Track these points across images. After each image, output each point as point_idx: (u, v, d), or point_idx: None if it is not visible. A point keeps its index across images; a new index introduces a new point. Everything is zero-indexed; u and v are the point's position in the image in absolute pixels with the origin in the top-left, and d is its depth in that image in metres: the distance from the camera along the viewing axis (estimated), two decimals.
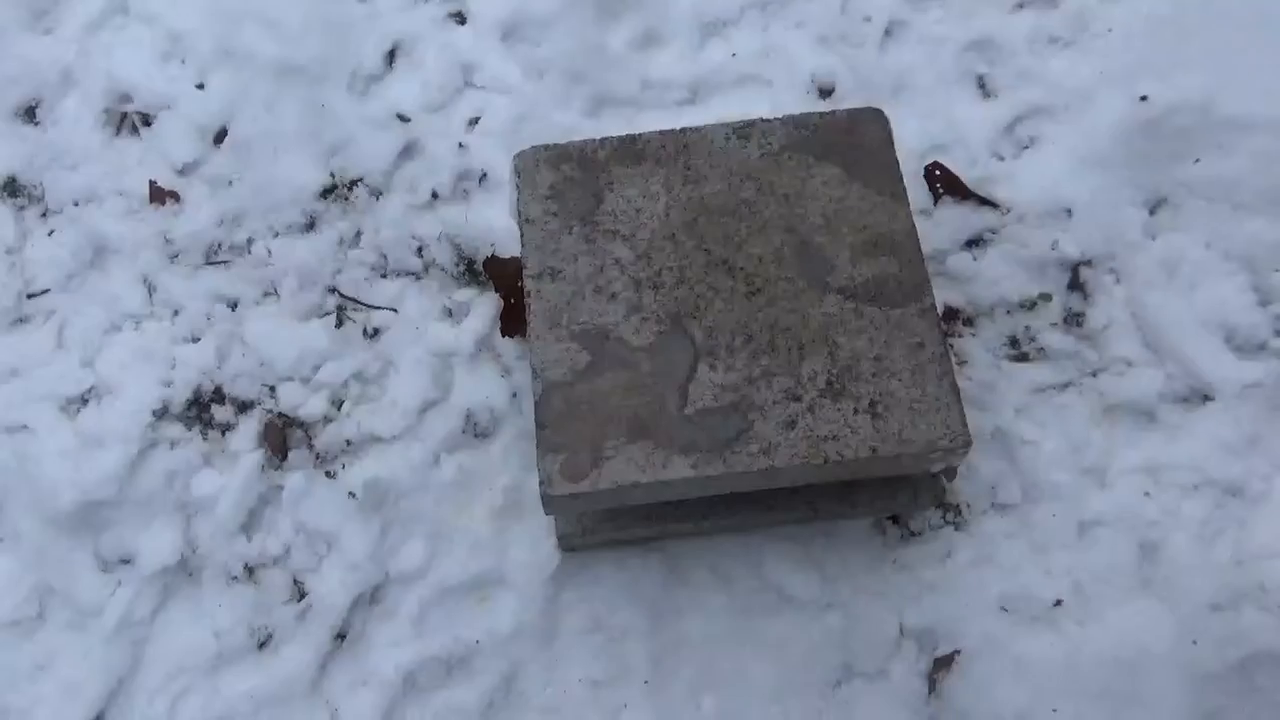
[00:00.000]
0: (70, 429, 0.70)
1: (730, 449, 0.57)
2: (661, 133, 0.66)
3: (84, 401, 0.72)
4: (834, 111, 0.66)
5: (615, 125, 0.79)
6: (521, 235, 0.63)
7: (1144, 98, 0.74)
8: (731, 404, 0.58)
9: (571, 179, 0.64)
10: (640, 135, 0.66)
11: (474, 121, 0.80)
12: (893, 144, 0.65)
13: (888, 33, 0.82)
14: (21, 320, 0.75)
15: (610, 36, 0.82)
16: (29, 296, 0.76)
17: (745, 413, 0.57)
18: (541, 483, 0.56)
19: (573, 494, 0.56)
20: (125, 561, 0.67)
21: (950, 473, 0.62)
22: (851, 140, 0.65)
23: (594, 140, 0.66)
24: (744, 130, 0.66)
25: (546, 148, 0.66)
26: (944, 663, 0.61)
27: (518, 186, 0.65)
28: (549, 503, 0.57)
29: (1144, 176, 0.73)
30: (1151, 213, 0.73)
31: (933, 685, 0.61)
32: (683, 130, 0.66)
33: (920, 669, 0.62)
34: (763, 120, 0.66)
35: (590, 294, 0.61)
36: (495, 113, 0.80)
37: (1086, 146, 0.75)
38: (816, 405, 0.57)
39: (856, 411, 0.57)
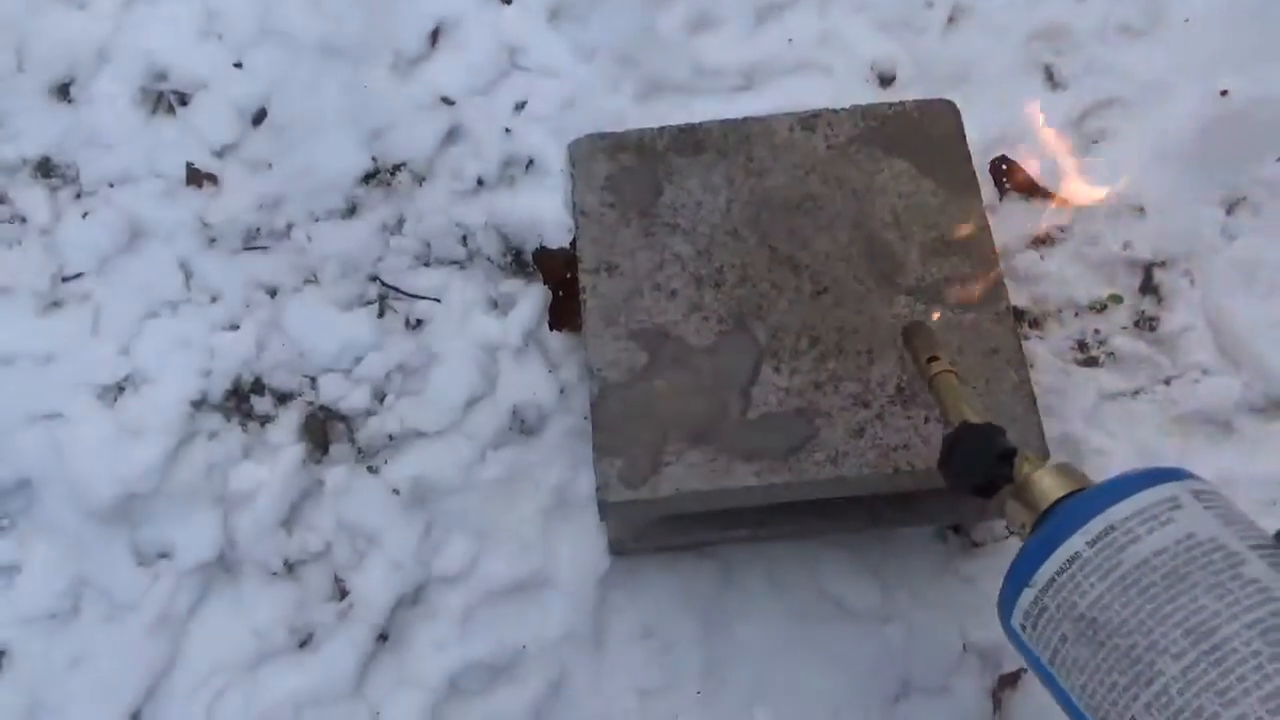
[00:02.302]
0: (108, 418, 0.68)
1: (795, 457, 0.54)
2: (723, 122, 0.63)
3: (120, 390, 0.70)
4: (903, 102, 0.63)
5: (667, 111, 0.76)
6: (576, 228, 0.61)
7: (1224, 92, 0.71)
8: (797, 409, 0.55)
9: (629, 169, 0.62)
10: (700, 125, 0.63)
11: (520, 105, 0.78)
12: (964, 137, 0.62)
13: (951, 19, 0.79)
14: (56, 304, 0.73)
15: (662, 18, 0.80)
16: (64, 280, 0.74)
17: (811, 419, 0.55)
18: (598, 489, 0.54)
19: (631, 500, 0.54)
20: (163, 555, 0.66)
21: None
22: (921, 133, 0.62)
23: (652, 129, 0.63)
24: (809, 121, 0.63)
25: (602, 136, 0.63)
26: (1009, 680, 0.59)
27: (572, 176, 0.62)
28: (606, 509, 0.55)
29: (1222, 174, 0.70)
30: (1229, 212, 0.70)
31: (997, 704, 0.59)
32: (745, 120, 0.63)
33: (984, 686, 0.59)
34: (829, 111, 0.63)
35: (649, 291, 0.59)
36: (542, 97, 0.77)
37: (1161, 142, 0.72)
38: (886, 412, 0.55)
39: (928, 420, 0.55)
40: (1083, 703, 0.35)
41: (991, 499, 0.43)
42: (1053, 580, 0.36)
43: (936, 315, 0.56)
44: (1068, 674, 0.36)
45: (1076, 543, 0.36)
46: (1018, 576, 0.38)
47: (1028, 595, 0.37)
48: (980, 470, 0.43)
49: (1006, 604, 0.39)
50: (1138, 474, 0.37)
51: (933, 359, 0.50)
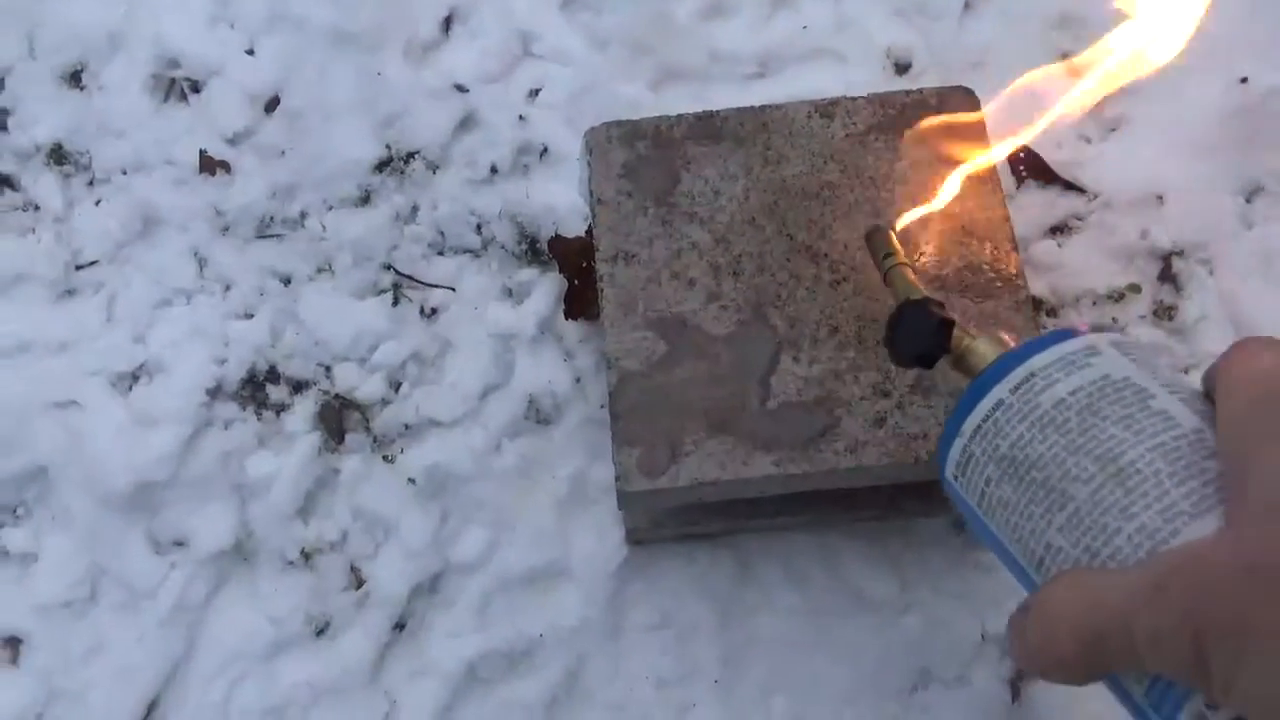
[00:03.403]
0: (122, 406, 0.68)
1: (815, 446, 0.54)
2: (740, 110, 0.63)
3: (135, 378, 0.70)
4: (921, 90, 0.63)
5: (682, 99, 0.76)
6: (593, 216, 0.61)
7: (1244, 79, 0.70)
8: (816, 399, 0.55)
9: (646, 158, 0.62)
10: (717, 112, 0.63)
11: (534, 93, 0.77)
12: (984, 126, 0.62)
13: (967, 5, 0.78)
14: (70, 292, 0.73)
15: (675, 5, 0.79)
16: (77, 268, 0.74)
17: (831, 408, 0.55)
18: (617, 478, 0.54)
19: (650, 490, 0.54)
20: (179, 544, 0.66)
21: None
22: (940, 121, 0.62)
23: (669, 116, 0.63)
24: (827, 109, 0.62)
25: (619, 124, 0.63)
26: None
27: (589, 164, 0.62)
28: (624, 499, 0.55)
29: (1241, 163, 0.70)
30: (1248, 201, 0.70)
31: (1016, 693, 0.59)
32: (762, 108, 0.63)
33: (1003, 675, 0.59)
34: (847, 98, 0.63)
35: (666, 279, 0.58)
36: (556, 84, 0.77)
37: (1179, 130, 0.71)
38: (906, 401, 0.55)
39: (947, 409, 0.54)
40: (1007, 538, 0.38)
41: (932, 369, 0.47)
42: (979, 428, 0.39)
43: (899, 221, 0.57)
44: (994, 514, 0.38)
45: (1000, 391, 0.38)
46: (949, 431, 0.41)
47: (957, 445, 0.40)
48: (919, 340, 0.46)
49: (940, 459, 0.42)
50: (1062, 330, 0.39)
51: (888, 255, 0.53)
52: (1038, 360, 0.38)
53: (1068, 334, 0.39)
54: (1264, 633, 0.25)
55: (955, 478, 0.41)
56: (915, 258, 0.58)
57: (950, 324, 0.45)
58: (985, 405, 0.39)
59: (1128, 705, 0.33)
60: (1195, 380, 0.38)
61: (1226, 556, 0.28)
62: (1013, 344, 0.42)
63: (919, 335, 0.46)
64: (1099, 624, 0.30)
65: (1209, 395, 0.36)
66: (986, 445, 0.38)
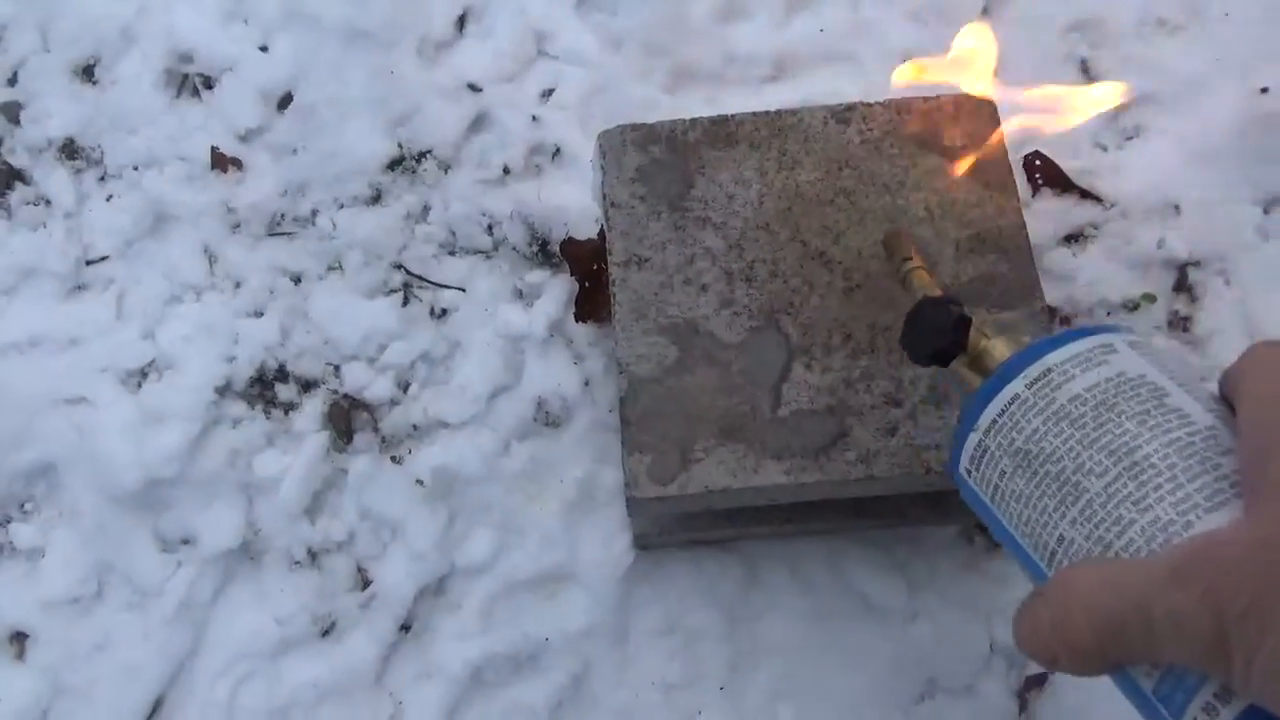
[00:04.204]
0: (131, 403, 0.68)
1: (826, 455, 0.54)
2: (755, 115, 0.62)
3: (144, 375, 0.70)
4: (939, 97, 0.62)
5: (696, 101, 0.76)
6: (606, 220, 0.60)
7: (1264, 89, 0.70)
8: (828, 407, 0.55)
9: (660, 161, 0.61)
10: (733, 116, 0.62)
11: (547, 93, 0.77)
12: (1002, 133, 0.61)
13: (985, 10, 0.78)
14: (80, 288, 0.73)
15: (691, 6, 0.79)
16: (87, 263, 0.74)
17: (842, 417, 0.54)
18: (627, 484, 0.54)
19: (660, 497, 0.53)
20: (186, 542, 0.66)
21: None
22: (957, 128, 0.61)
23: (684, 120, 0.62)
24: (843, 114, 0.62)
25: (633, 127, 0.62)
26: (1036, 681, 0.59)
27: (602, 168, 0.61)
28: (634, 505, 0.54)
29: (1259, 174, 0.69)
30: (1266, 212, 0.69)
31: (1024, 704, 0.59)
32: (778, 112, 0.62)
33: (1011, 686, 0.59)
34: (863, 104, 0.62)
35: (679, 285, 0.58)
36: (569, 85, 0.77)
37: (1197, 140, 0.71)
38: (918, 411, 0.54)
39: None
40: (1019, 531, 0.38)
41: (948, 366, 0.46)
42: (994, 422, 0.39)
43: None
44: (1006, 506, 0.38)
45: (1017, 385, 0.38)
46: (964, 424, 0.41)
47: (972, 439, 0.40)
48: (937, 337, 0.46)
49: (955, 454, 0.42)
50: (1079, 328, 0.40)
51: (906, 259, 0.53)
52: (1054, 356, 0.38)
53: (1084, 331, 0.39)
54: None
55: (969, 472, 0.41)
56: (931, 266, 0.57)
57: (968, 322, 0.45)
58: (1001, 399, 0.39)
59: (1137, 701, 0.33)
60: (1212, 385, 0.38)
61: (1246, 536, 0.27)
62: (1026, 343, 0.42)
63: (936, 332, 0.46)
64: (1117, 610, 0.30)
65: (1224, 397, 0.36)
66: (1001, 439, 0.38)
